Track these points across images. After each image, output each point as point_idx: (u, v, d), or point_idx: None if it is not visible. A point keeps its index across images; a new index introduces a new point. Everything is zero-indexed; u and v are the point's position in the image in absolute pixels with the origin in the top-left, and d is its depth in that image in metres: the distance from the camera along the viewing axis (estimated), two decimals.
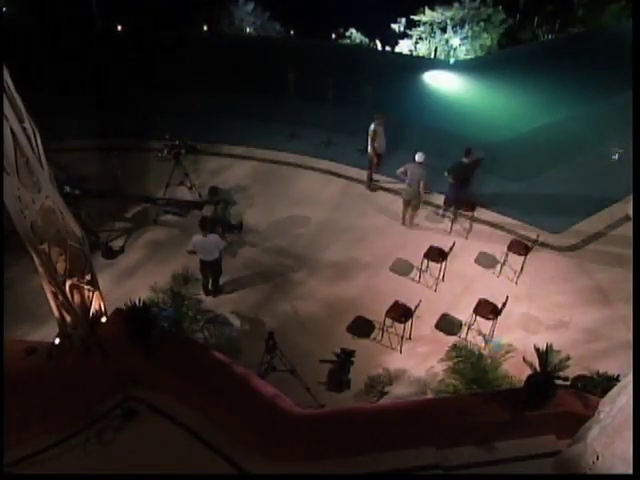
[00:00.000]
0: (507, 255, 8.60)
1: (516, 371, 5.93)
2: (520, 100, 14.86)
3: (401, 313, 7.19)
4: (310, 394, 6.24)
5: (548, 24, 24.85)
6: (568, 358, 4.99)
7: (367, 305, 7.96)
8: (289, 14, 25.79)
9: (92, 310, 5.98)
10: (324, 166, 11.50)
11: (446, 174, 9.59)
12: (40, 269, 5.27)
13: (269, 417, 5.15)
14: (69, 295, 5.54)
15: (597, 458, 3.26)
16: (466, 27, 22.98)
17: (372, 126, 10.15)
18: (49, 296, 5.55)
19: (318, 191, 10.76)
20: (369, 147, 10.33)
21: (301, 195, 10.59)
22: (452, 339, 7.27)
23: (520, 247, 8.47)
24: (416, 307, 7.20)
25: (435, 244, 8.52)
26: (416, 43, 23.88)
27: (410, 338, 7.46)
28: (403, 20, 24.67)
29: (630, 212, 9.67)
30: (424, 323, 7.65)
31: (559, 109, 14.11)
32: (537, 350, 5.05)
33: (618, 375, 5.24)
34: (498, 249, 8.97)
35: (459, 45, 23.30)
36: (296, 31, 26.68)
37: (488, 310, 7.26)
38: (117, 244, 9.15)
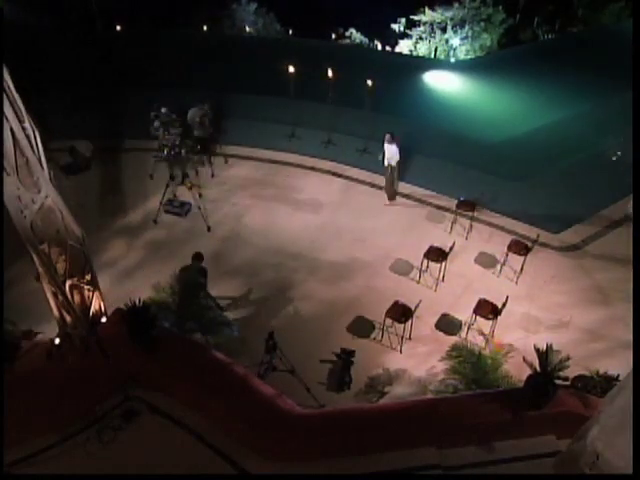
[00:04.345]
0: (507, 255, 8.60)
1: (516, 371, 5.93)
2: (520, 100, 14.83)
3: (401, 313, 7.18)
4: (310, 394, 6.24)
5: (548, 24, 24.84)
6: (568, 358, 4.99)
7: (367, 305, 7.95)
8: (289, 14, 25.80)
9: (92, 310, 5.98)
10: (324, 166, 11.50)
11: None
12: (40, 269, 5.27)
13: (269, 417, 5.15)
14: (69, 295, 5.55)
15: (597, 458, 3.27)
16: (466, 27, 22.96)
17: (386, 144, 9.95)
18: (49, 296, 5.56)
19: (318, 191, 10.76)
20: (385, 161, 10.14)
21: (301, 195, 10.58)
22: (452, 339, 7.27)
23: (520, 247, 8.47)
24: (416, 307, 7.19)
25: (435, 244, 8.52)
26: (416, 43, 23.86)
27: (410, 338, 7.45)
28: (403, 20, 24.65)
29: (630, 212, 9.67)
30: (424, 323, 7.65)
31: (559, 109, 14.09)
32: (537, 350, 5.05)
33: (618, 375, 5.23)
34: (498, 249, 8.97)
35: (459, 45, 23.29)
36: (296, 31, 26.68)
37: (488, 310, 7.26)
38: None
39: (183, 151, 9.82)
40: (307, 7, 25.23)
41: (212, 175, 10.97)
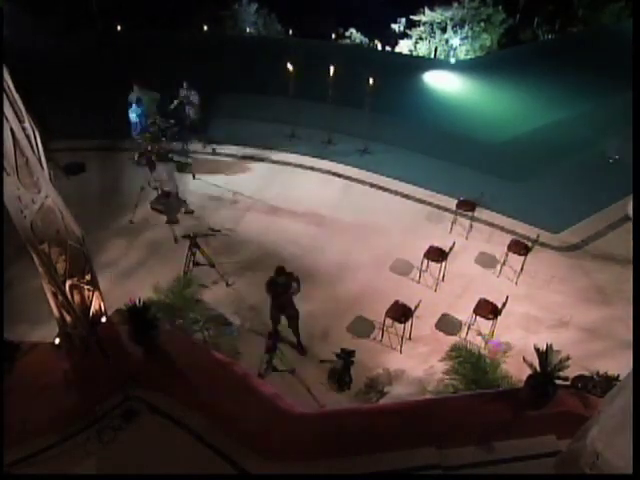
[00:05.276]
0: (507, 255, 8.60)
1: (516, 371, 5.93)
2: (520, 100, 14.85)
3: (401, 313, 7.18)
4: (310, 394, 6.24)
5: (548, 24, 24.87)
6: (568, 358, 4.98)
7: (367, 305, 7.95)
8: (290, 14, 25.82)
9: (92, 310, 5.98)
10: (324, 166, 11.50)
11: None
12: (40, 269, 5.27)
13: (269, 417, 5.15)
14: (69, 295, 5.54)
15: (597, 458, 3.26)
16: (466, 27, 23.00)
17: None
18: (49, 296, 5.55)
19: (318, 191, 10.76)
20: None
21: (301, 195, 10.59)
22: (452, 339, 7.27)
23: (520, 247, 8.47)
24: (416, 307, 7.19)
25: (435, 244, 8.52)
26: (416, 43, 23.91)
27: (410, 338, 7.45)
28: (403, 20, 24.71)
29: (630, 212, 9.67)
30: (424, 323, 7.65)
31: (559, 109, 14.11)
32: (537, 350, 5.04)
33: (618, 375, 5.23)
34: (498, 249, 8.97)
35: (459, 45, 23.32)
36: (296, 31, 26.70)
37: (488, 310, 7.25)
38: None
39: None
40: (307, 7, 25.24)
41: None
